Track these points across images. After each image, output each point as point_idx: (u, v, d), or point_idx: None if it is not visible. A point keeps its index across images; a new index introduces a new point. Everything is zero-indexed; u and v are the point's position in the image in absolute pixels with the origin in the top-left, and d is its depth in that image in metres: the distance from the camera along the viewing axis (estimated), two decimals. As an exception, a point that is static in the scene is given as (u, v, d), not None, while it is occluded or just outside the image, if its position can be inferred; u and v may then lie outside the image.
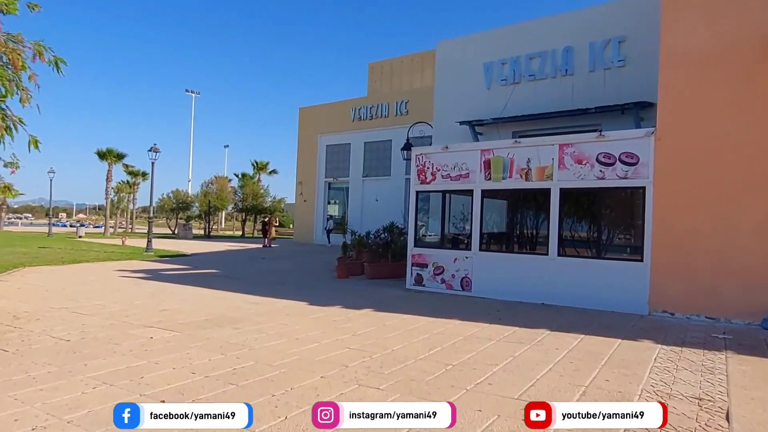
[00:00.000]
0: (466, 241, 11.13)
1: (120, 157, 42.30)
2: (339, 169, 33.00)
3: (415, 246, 11.26)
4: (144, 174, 55.06)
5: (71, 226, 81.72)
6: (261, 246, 28.70)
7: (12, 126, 7.52)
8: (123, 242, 26.86)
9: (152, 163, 22.36)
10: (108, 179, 41.97)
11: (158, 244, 28.14)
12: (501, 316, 8.58)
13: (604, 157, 9.22)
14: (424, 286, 11.15)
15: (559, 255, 9.73)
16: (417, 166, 11.26)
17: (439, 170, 10.96)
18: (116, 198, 53.10)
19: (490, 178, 10.53)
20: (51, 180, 37.88)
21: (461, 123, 14.92)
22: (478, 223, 10.70)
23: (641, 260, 8.89)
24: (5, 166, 8.30)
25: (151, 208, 22.92)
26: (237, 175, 53.94)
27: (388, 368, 5.48)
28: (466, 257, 10.72)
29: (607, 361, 5.87)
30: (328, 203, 34.07)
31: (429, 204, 13.86)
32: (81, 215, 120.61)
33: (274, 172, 55.92)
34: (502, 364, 5.71)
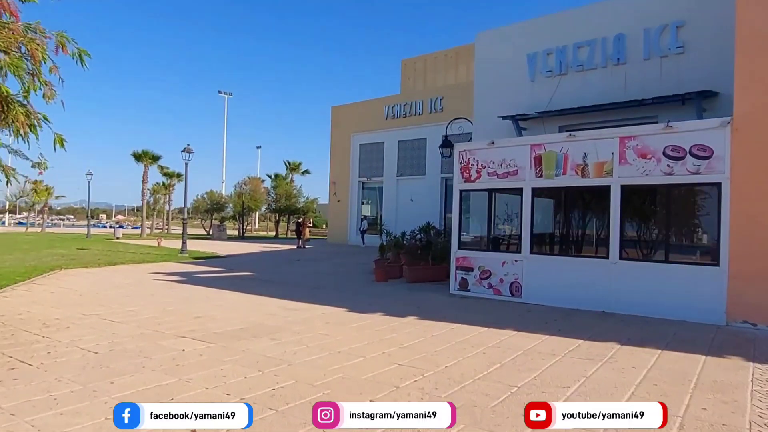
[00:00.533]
0: (514, 243, 10.39)
1: (155, 158, 42.74)
2: (373, 169, 32.47)
3: (460, 248, 10.56)
4: (179, 175, 55.67)
5: (110, 227, 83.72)
6: (295, 247, 28.38)
7: (35, 124, 7.17)
8: (159, 244, 26.91)
9: (185, 164, 22.22)
10: (144, 181, 42.45)
11: (193, 246, 28.13)
12: (560, 326, 7.82)
13: (672, 150, 8.35)
14: (469, 291, 10.46)
15: (620, 258, 8.89)
16: (460, 163, 10.57)
17: (484, 167, 10.24)
18: (152, 199, 53.88)
19: (541, 175, 9.76)
20: (89, 182, 38.52)
21: (503, 118, 14.12)
22: (529, 224, 9.93)
23: (717, 264, 8.00)
24: (33, 166, 7.98)
25: (185, 210, 22.80)
26: (270, 176, 54.05)
27: (444, 389, 4.83)
28: (516, 261, 9.97)
29: (696, 384, 5.09)
30: (362, 203, 33.58)
31: (469, 203, 13.16)
32: (120, 216, 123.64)
33: (306, 172, 55.83)
34: (574, 386, 4.99)
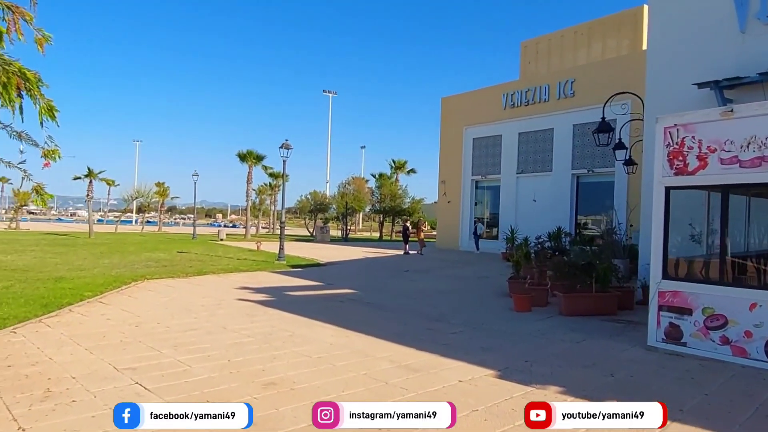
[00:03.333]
0: None
1: (259, 158, 41.97)
2: (488, 166, 28.77)
3: (668, 277, 6.82)
4: (285, 176, 55.34)
5: (224, 226, 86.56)
6: (402, 252, 25.43)
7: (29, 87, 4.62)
8: (258, 247, 25.23)
9: (283, 161, 20.05)
10: (248, 181, 41.82)
11: (293, 250, 26.16)
12: None
13: None
14: (683, 344, 6.69)
15: None
16: (668, 146, 6.83)
17: (714, 151, 6.43)
18: (258, 200, 53.79)
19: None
20: (195, 183, 38.33)
21: (699, 86, 10.06)
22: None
23: None
24: (43, 155, 5.50)
25: (282, 212, 20.67)
26: (374, 176, 51.93)
27: None
28: (775, 302, 6.10)
29: None
30: (475, 204, 30.01)
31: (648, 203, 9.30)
32: (233, 216, 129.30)
33: (412, 171, 53.10)
34: None
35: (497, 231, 28.36)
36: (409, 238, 26.27)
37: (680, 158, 6.70)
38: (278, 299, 11.12)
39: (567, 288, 10.02)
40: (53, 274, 14.12)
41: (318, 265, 19.49)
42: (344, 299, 11.34)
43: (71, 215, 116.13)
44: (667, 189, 6.83)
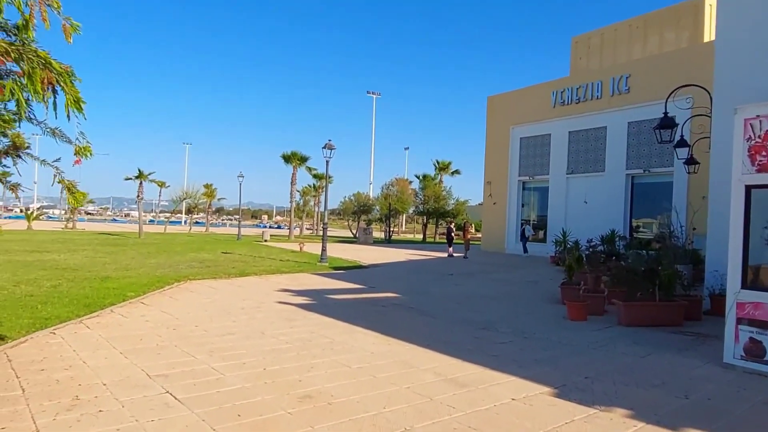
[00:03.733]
0: None
1: (303, 160, 42.15)
2: (536, 166, 27.83)
3: (748, 287, 6.08)
4: (328, 177, 55.54)
5: (270, 227, 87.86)
6: (446, 255, 24.84)
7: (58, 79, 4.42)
8: (301, 249, 25.17)
9: (326, 162, 19.82)
10: (292, 182, 42.07)
11: (336, 251, 25.98)
12: None
13: None
14: (767, 363, 5.94)
15: None
16: (749, 140, 6.09)
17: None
18: (302, 201, 54.19)
19: None
20: (240, 184, 38.81)
21: (777, 76, 9.15)
22: None
23: None
24: (76, 153, 5.31)
25: (325, 213, 20.45)
26: (418, 177, 51.37)
27: None
28: None
29: None
30: (522, 206, 29.09)
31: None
32: (278, 217, 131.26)
33: (456, 172, 52.30)
34: None
35: (544, 233, 27.43)
36: (453, 240, 25.59)
37: (764, 153, 5.96)
38: (319, 303, 10.80)
39: (625, 296, 9.27)
40: (101, 273, 14.29)
41: (360, 267, 19.17)
42: (387, 304, 10.92)
43: (125, 216, 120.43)
44: (748, 188, 6.09)
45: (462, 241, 25.77)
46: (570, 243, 20.74)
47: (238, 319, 8.74)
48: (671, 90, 12.54)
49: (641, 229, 23.28)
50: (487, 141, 31.11)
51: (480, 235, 32.71)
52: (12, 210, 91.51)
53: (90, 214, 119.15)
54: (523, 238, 26.36)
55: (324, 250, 19.46)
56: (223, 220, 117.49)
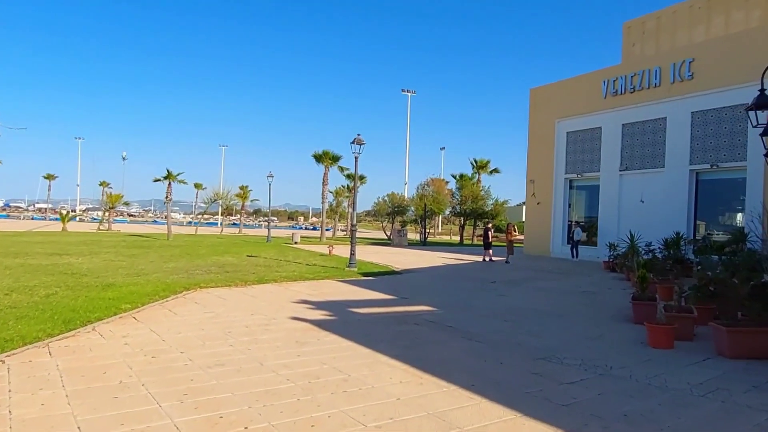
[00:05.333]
0: None
1: (335, 159, 40.72)
2: (585, 162, 25.55)
3: None
4: (362, 177, 54.05)
5: (306, 228, 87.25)
6: (484, 259, 22.83)
7: None
8: (330, 252, 23.63)
9: (355, 158, 18.16)
10: (324, 182, 40.69)
11: (367, 254, 24.38)
12: None
13: None
14: None
15: None
16: None
17: None
18: (335, 202, 52.91)
19: None
20: (270, 184, 37.64)
21: None
22: None
23: None
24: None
25: (354, 214, 18.76)
26: (454, 177, 49.32)
27: None
28: None
29: None
30: (569, 206, 26.82)
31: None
32: (314, 219, 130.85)
33: (495, 171, 49.95)
34: None
35: (587, 235, 25.12)
36: (491, 244, 23.49)
37: None
38: (339, 319, 9.14)
39: (718, 315, 7.26)
40: (108, 279, 13.04)
41: (392, 272, 17.46)
42: (420, 320, 9.16)
43: (165, 217, 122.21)
44: None
45: (504, 244, 23.67)
46: (622, 247, 18.51)
47: (237, 342, 7.14)
48: (743, 73, 10.34)
49: (713, 231, 20.75)
50: (530, 137, 28.95)
51: (522, 238, 30.52)
52: (58, 212, 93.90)
53: (132, 215, 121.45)
54: (573, 242, 24.11)
55: (352, 254, 17.83)
56: (259, 221, 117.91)
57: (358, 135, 17.94)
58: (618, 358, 6.81)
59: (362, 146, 18.06)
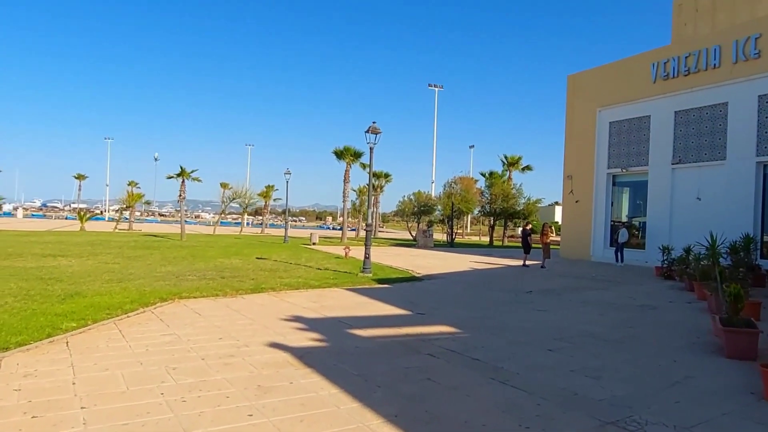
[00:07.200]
0: None
1: (357, 155, 38.66)
2: (631, 155, 22.90)
3: None
4: (387, 175, 52.00)
5: (333, 228, 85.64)
6: (522, 264, 20.42)
7: None
8: (346, 254, 21.59)
9: (370, 149, 16.01)
10: (345, 180, 38.65)
11: (388, 257, 22.30)
12: None
13: None
14: None
15: None
16: None
17: None
18: (358, 201, 50.94)
19: None
20: (287, 181, 35.78)
21: None
22: None
23: None
24: None
25: (369, 213, 16.57)
26: (484, 175, 46.76)
27: None
28: None
29: None
30: (612, 204, 24.18)
31: None
32: (341, 218, 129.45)
33: (528, 168, 47.16)
34: None
35: (633, 237, 22.45)
36: (531, 247, 20.94)
37: None
38: (332, 346, 7.03)
39: None
40: (81, 287, 11.26)
41: (411, 279, 15.29)
42: (437, 349, 6.98)
43: (195, 217, 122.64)
44: None
45: (539, 246, 21.20)
46: (676, 251, 15.98)
47: (173, 389, 5.09)
48: None
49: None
50: (567, 128, 26.37)
51: (559, 240, 27.93)
52: (93, 212, 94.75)
53: (163, 215, 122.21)
54: (617, 244, 21.50)
55: (367, 257, 15.71)
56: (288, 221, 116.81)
57: (374, 123, 15.83)
58: (729, 424, 4.52)
59: (378, 135, 15.93)
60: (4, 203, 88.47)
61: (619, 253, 21.20)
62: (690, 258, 15.55)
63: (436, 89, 63.14)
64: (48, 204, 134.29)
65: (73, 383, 5.13)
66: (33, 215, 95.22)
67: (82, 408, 4.49)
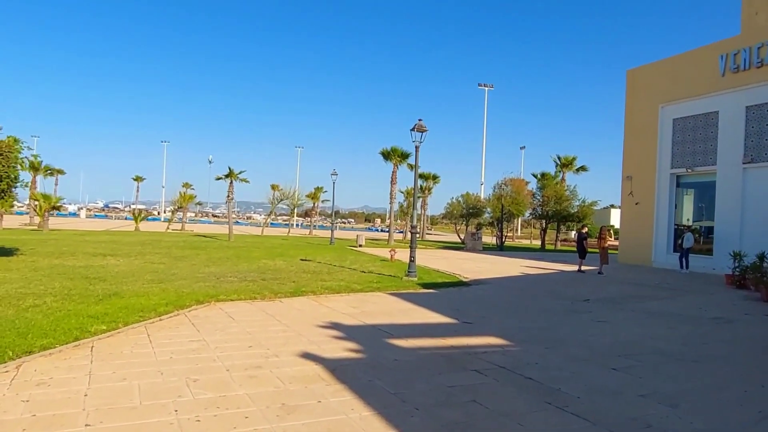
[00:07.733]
0: None
1: (404, 156, 38.08)
2: (696, 154, 21.33)
3: None
4: (435, 177, 51.23)
5: (382, 231, 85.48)
6: (577, 269, 19.30)
7: None
8: (391, 257, 21.03)
9: (416, 147, 15.36)
10: (392, 181, 38.14)
11: (435, 260, 21.61)
12: None
13: None
14: None
15: None
16: None
17: None
18: (406, 203, 50.36)
19: None
20: (333, 182, 35.56)
21: None
22: None
23: None
24: None
25: (413, 214, 15.85)
26: (535, 176, 45.30)
27: None
28: None
29: None
30: (675, 207, 22.62)
31: None
32: (388, 221, 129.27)
33: (582, 169, 45.35)
34: None
35: (698, 242, 20.84)
36: (587, 251, 19.74)
37: None
38: (368, 358, 6.45)
39: None
40: (122, 287, 11.18)
41: (458, 284, 14.55)
42: (484, 364, 6.28)
43: (246, 218, 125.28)
44: None
45: (596, 251, 19.96)
46: (749, 257, 14.56)
47: (189, 405, 4.63)
48: None
49: None
50: (627, 126, 24.91)
51: (617, 244, 26.44)
52: (149, 212, 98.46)
53: (216, 216, 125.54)
54: (681, 249, 20.01)
55: (412, 260, 15.08)
56: (335, 223, 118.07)
57: (420, 120, 15.19)
58: None
59: (424, 134, 15.29)
60: (69, 204, 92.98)
61: (683, 259, 19.72)
62: (765, 265, 14.22)
63: (486, 89, 61.86)
64: (110, 205, 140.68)
65: (85, 395, 4.75)
66: (96, 215, 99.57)
67: (86, 426, 4.07)
